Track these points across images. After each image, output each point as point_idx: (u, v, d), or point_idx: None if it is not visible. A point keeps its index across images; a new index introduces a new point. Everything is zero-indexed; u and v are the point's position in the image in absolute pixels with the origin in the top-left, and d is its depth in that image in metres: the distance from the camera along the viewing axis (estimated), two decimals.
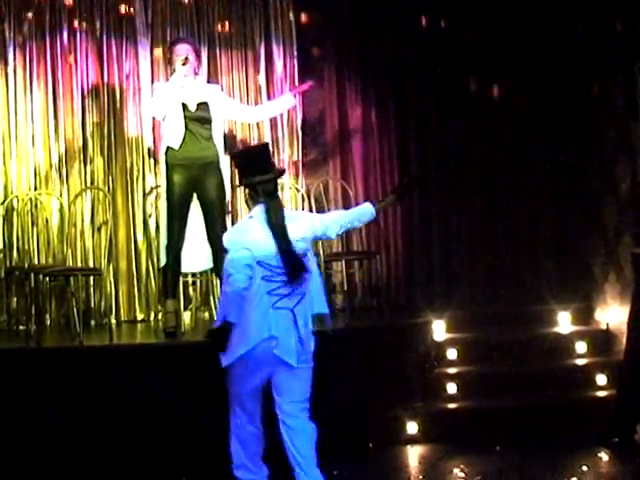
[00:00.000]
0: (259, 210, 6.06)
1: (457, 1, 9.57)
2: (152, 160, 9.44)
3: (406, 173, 9.65)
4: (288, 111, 9.47)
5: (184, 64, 7.94)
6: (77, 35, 9.43)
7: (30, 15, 9.34)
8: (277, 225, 5.99)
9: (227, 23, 9.69)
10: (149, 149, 9.43)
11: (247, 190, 6.22)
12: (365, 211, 6.50)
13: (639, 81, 6.82)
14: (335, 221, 6.35)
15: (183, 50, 8.03)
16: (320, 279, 6.41)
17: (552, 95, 9.51)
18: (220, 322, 6.04)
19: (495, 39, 9.59)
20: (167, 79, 8.63)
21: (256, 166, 6.18)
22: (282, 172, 6.51)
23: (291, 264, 5.97)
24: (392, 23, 9.64)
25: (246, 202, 6.32)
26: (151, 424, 7.30)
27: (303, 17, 9.78)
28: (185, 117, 7.95)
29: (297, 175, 9.68)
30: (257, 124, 9.53)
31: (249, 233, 6.01)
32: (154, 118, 8.73)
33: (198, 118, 8.00)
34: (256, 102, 9.54)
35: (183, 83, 7.97)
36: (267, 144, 6.92)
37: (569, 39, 9.31)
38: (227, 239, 6.12)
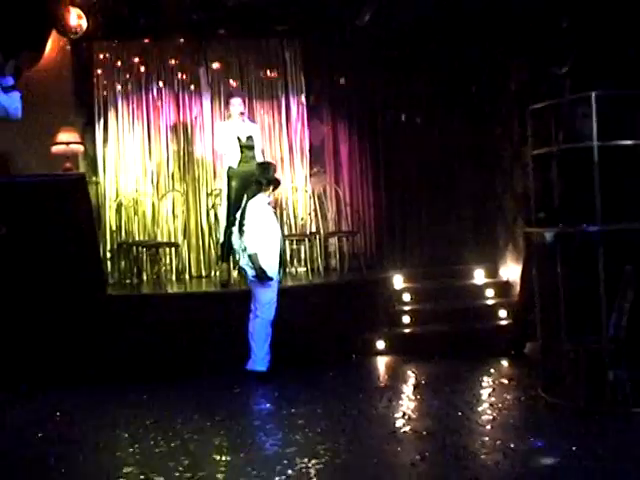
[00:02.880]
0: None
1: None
2: (212, 173, 9.44)
3: (378, 182, 9.60)
4: (300, 139, 9.58)
5: (241, 114, 8.10)
6: (162, 90, 9.48)
7: (131, 77, 9.41)
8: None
9: (261, 82, 9.61)
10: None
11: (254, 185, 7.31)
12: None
13: (528, 120, 6.88)
14: None
15: (238, 103, 8.09)
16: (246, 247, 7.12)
17: (474, 131, 9.41)
18: None
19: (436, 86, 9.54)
20: (223, 118, 8.81)
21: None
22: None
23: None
24: (365, 83, 9.63)
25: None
26: (212, 340, 7.49)
27: (309, 78, 9.67)
28: (240, 146, 8.05)
29: (306, 182, 9.64)
30: (280, 148, 9.53)
31: None
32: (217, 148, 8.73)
33: (247, 146, 8.09)
34: (280, 136, 9.57)
35: (238, 123, 8.11)
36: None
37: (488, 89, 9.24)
38: None
